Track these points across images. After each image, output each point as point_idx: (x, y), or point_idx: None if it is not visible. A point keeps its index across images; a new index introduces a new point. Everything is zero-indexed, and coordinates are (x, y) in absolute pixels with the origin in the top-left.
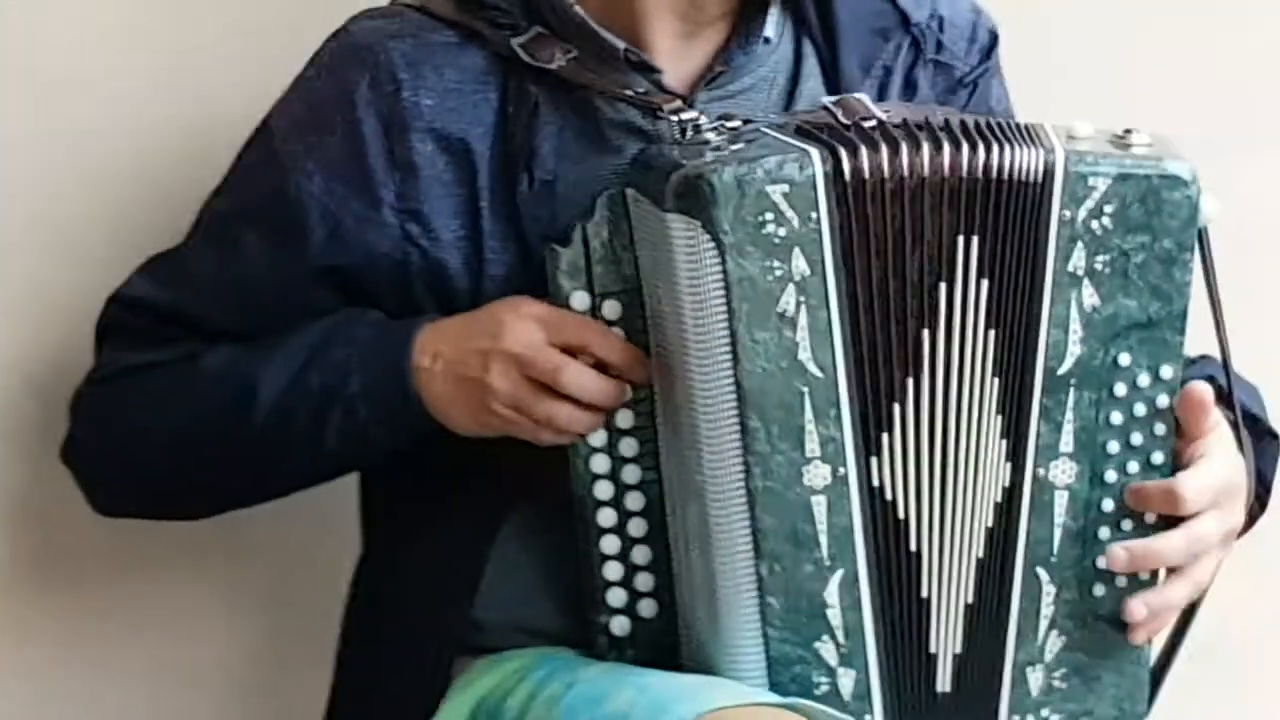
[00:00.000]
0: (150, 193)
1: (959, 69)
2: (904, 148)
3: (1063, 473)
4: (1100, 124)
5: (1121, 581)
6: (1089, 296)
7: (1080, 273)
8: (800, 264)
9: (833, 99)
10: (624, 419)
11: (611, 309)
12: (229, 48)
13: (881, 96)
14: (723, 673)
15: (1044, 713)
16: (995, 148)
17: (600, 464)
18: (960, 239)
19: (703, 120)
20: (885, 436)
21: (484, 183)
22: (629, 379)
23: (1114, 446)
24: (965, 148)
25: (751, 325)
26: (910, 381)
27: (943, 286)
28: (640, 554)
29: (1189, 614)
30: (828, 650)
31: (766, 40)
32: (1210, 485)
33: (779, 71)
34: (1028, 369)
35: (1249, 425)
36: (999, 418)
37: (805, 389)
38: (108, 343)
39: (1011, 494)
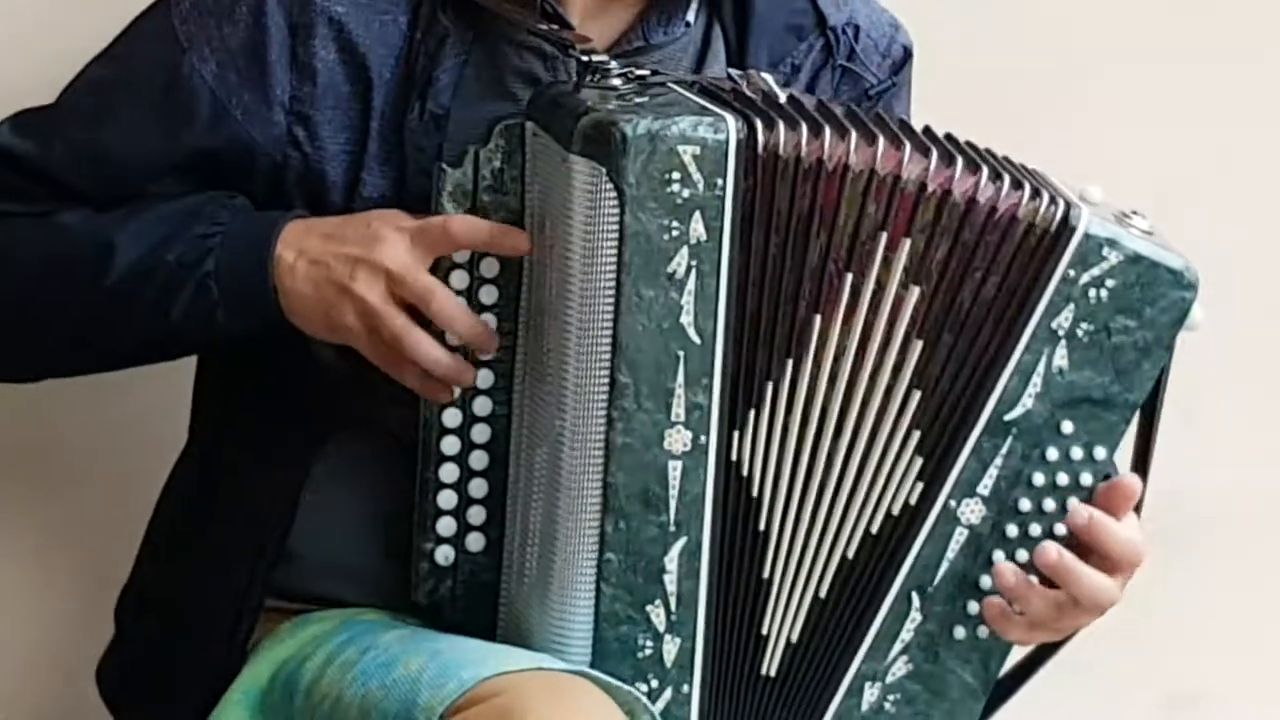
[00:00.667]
0: None
1: (867, 80)
2: (827, 132)
3: (971, 512)
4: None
5: (983, 633)
6: (1060, 358)
7: (1061, 333)
8: (698, 228)
9: (738, 72)
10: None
11: None
12: None
13: None
14: (547, 623)
15: None
16: (988, 175)
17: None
18: (883, 236)
19: (612, 65)
20: (752, 413)
21: (378, 104)
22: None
23: (1025, 505)
24: (945, 161)
25: (639, 281)
26: (790, 363)
27: (849, 277)
28: (477, 487)
29: (1044, 654)
30: (658, 615)
31: (688, 24)
32: (1133, 540)
33: (686, 52)
34: (976, 402)
35: None
36: (916, 432)
37: (681, 353)
38: None
39: (915, 513)
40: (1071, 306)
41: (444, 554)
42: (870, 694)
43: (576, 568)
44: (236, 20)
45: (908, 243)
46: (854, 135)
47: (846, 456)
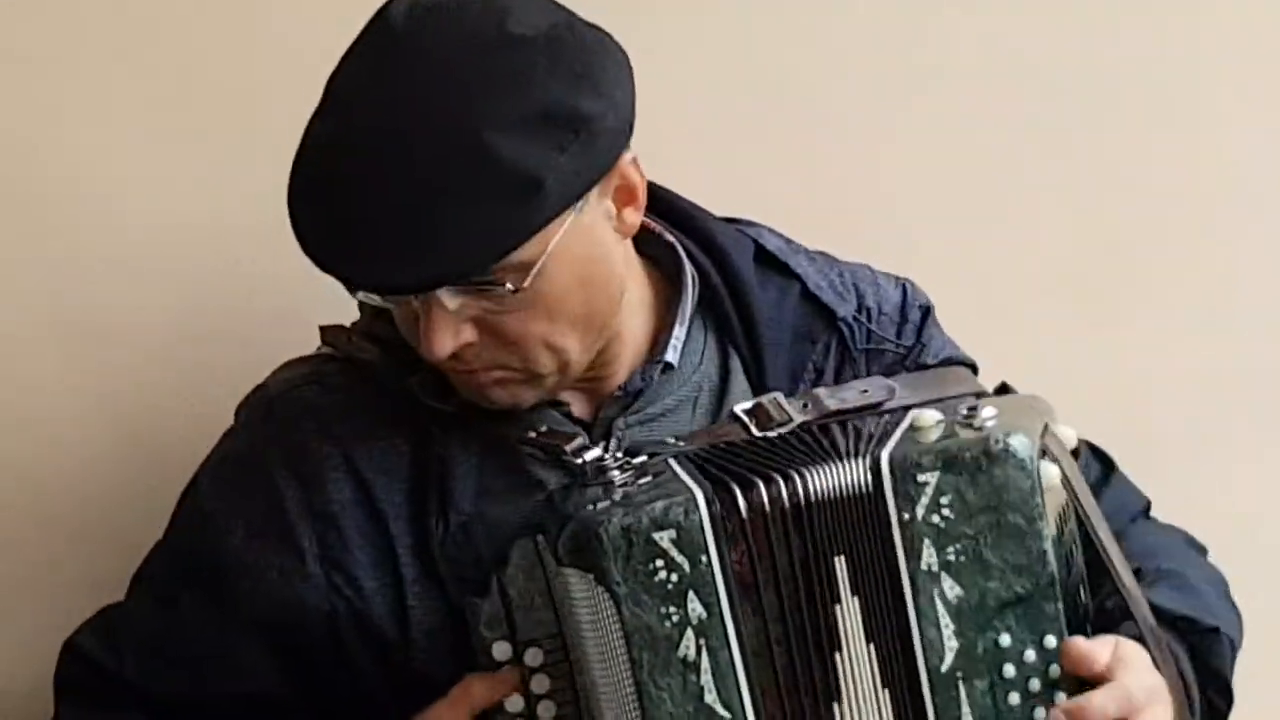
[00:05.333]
0: None
1: (891, 353)
2: (778, 475)
3: None
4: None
5: None
6: (951, 588)
7: (936, 568)
8: (696, 607)
9: (746, 405)
10: None
11: (533, 656)
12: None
13: None
14: None
15: None
16: (818, 467)
17: None
18: (833, 560)
19: (607, 459)
20: None
21: (397, 530)
22: None
23: None
24: (799, 471)
25: (654, 673)
26: (836, 707)
27: (837, 609)
28: None
29: None
30: None
31: (668, 365)
32: (1120, 692)
33: (704, 389)
34: (912, 673)
35: (1181, 629)
36: None
37: None
38: (64, 699)
39: None
40: (927, 543)
41: None
42: None
43: None
44: (252, 485)
45: (842, 558)
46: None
47: None
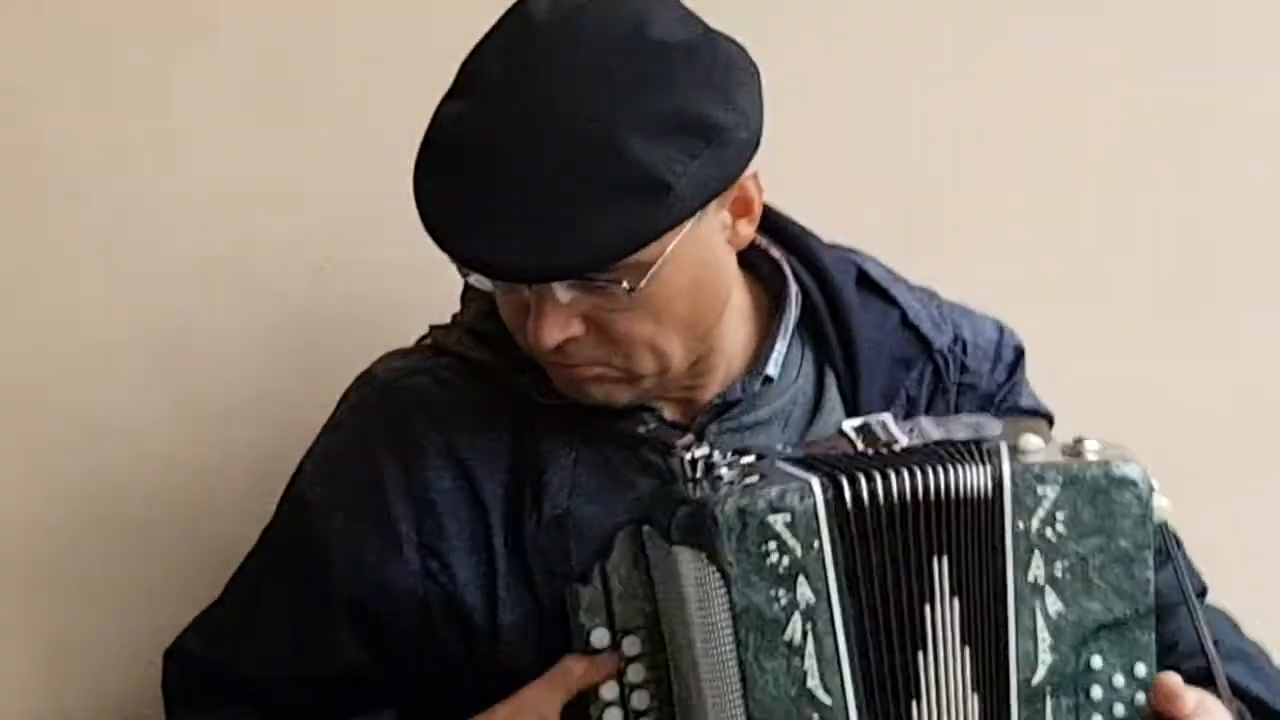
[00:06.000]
0: None
1: (983, 388)
2: (893, 472)
3: None
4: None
5: None
6: (1053, 604)
7: (1041, 581)
8: (805, 591)
9: (855, 423)
10: None
11: (631, 644)
12: None
13: None
14: None
15: None
16: (940, 468)
17: None
18: (934, 560)
19: (715, 456)
20: None
21: (494, 522)
22: None
23: None
24: (920, 470)
25: (759, 654)
26: (915, 705)
27: (927, 608)
28: None
29: None
30: None
31: (769, 379)
32: None
33: (798, 404)
34: (1003, 682)
35: (1252, 707)
36: None
37: (815, 715)
38: (172, 703)
39: None
40: (1038, 554)
41: None
42: None
43: None
44: (354, 472)
45: (945, 559)
46: (905, 469)
47: None
